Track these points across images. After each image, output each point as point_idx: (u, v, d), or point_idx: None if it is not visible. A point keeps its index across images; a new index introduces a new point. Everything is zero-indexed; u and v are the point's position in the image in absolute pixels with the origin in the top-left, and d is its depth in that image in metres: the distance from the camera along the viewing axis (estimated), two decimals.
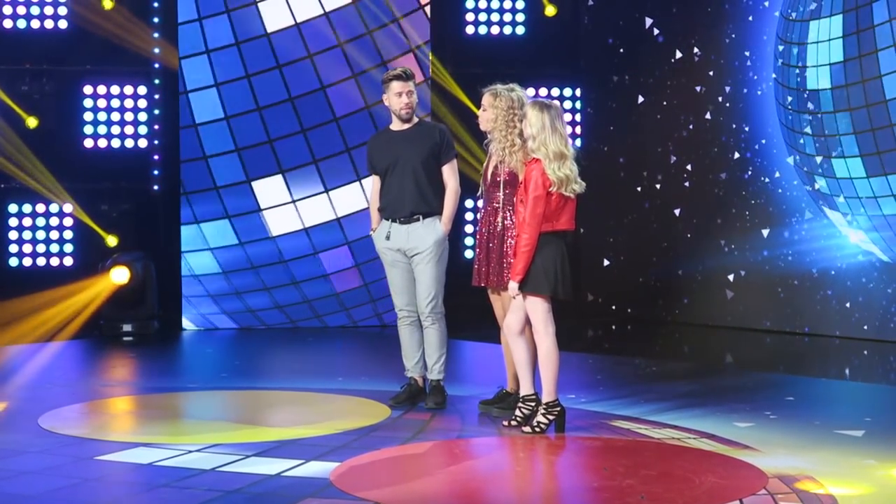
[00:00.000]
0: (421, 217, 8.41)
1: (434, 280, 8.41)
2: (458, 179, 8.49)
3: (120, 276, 12.18)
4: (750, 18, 12.47)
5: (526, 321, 7.75)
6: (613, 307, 13.56)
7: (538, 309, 7.64)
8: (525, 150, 7.83)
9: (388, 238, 8.49)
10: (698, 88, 12.88)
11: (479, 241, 8.26)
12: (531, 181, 7.58)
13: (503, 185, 8.12)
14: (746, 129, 12.56)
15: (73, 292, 12.27)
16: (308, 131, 12.51)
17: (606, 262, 13.54)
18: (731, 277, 12.73)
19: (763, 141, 12.44)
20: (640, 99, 13.32)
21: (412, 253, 8.44)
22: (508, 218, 8.09)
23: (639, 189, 13.36)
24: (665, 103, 13.14)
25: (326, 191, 12.56)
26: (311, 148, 12.51)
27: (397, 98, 8.45)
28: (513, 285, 7.67)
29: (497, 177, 8.17)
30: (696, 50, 12.89)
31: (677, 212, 13.11)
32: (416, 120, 8.55)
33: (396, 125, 8.56)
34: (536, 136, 7.58)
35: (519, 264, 7.60)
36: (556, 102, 7.78)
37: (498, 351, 8.50)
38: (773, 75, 12.24)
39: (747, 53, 12.47)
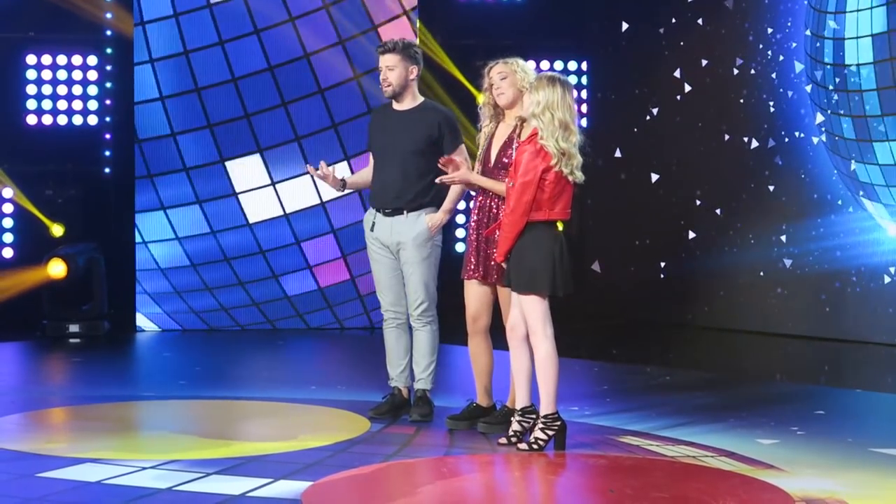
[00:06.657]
0: (405, 211, 8.38)
1: (422, 283, 8.41)
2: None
3: (56, 269, 12.17)
4: None
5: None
6: (622, 308, 13.58)
7: (536, 309, 7.64)
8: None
9: (372, 229, 8.50)
10: (722, 65, 12.89)
11: (472, 231, 8.15)
12: (521, 164, 7.58)
13: None
14: (774, 109, 12.58)
15: (7, 286, 12.30)
16: (252, 116, 12.51)
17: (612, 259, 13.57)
18: (755, 275, 12.76)
19: (793, 124, 12.46)
20: (658, 75, 13.30)
21: (397, 249, 8.44)
22: None
23: (654, 176, 13.36)
24: (686, 79, 13.13)
25: (273, 184, 12.58)
26: (256, 135, 12.51)
27: (380, 74, 8.44)
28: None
29: (506, 158, 8.03)
30: (718, 19, 12.90)
31: (697, 203, 13.14)
32: (420, 100, 8.47)
33: (395, 103, 8.50)
34: (542, 101, 7.54)
35: (503, 247, 7.64)
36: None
37: (494, 357, 8.39)
38: (805, 49, 12.27)
39: (769, 27, 12.52)
